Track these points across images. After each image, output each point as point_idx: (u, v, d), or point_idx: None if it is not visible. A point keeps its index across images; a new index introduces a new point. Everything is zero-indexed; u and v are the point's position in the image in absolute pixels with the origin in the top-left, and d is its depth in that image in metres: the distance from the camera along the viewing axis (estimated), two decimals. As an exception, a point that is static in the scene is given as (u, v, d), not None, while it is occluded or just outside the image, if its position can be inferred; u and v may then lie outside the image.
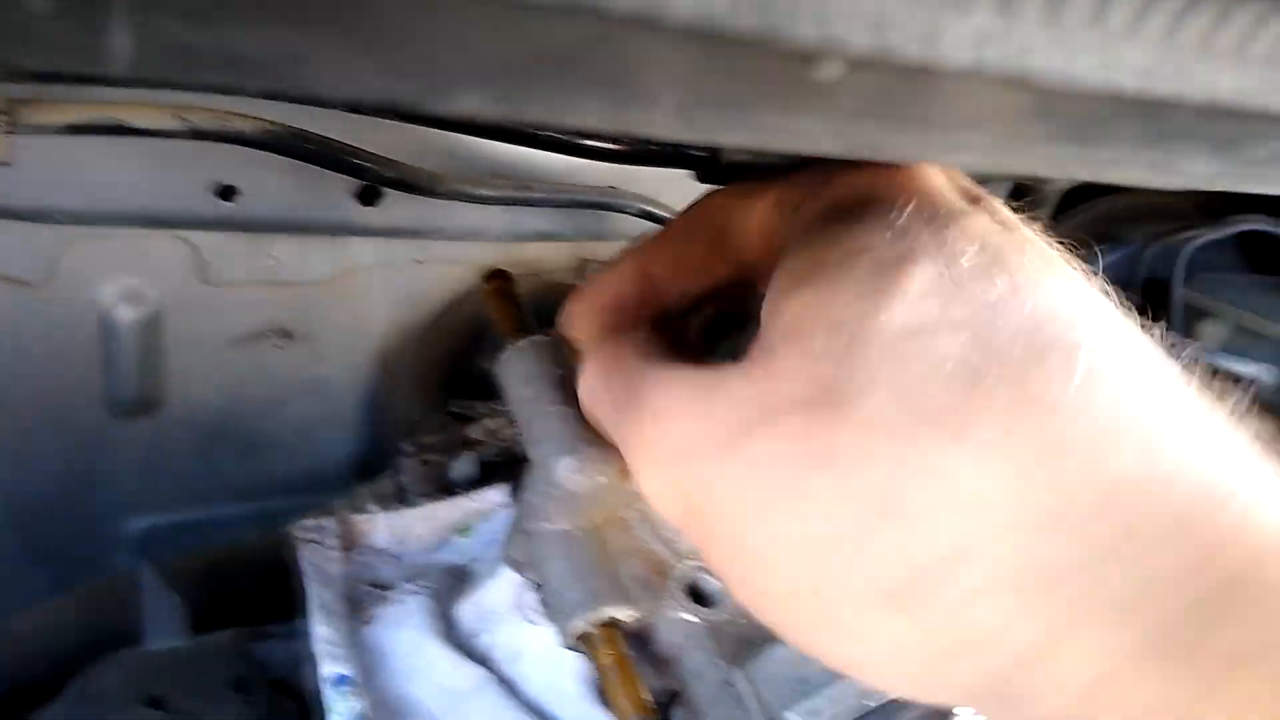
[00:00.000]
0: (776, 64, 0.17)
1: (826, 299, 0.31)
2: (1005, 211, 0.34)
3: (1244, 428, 0.30)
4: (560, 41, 0.15)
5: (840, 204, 0.34)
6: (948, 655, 0.29)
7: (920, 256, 0.30)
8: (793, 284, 0.32)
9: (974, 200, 0.34)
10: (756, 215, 0.38)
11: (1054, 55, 0.17)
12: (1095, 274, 0.33)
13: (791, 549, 0.30)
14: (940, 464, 0.28)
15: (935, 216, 0.32)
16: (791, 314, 0.32)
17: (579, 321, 0.43)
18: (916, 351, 0.29)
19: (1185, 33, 0.18)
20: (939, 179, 0.34)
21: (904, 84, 0.18)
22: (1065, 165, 0.23)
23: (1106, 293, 0.32)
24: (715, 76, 0.17)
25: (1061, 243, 0.34)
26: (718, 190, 0.41)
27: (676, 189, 0.88)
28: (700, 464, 0.32)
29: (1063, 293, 0.30)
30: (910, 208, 0.32)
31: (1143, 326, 0.32)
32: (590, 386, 0.39)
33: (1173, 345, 0.32)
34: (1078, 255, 0.33)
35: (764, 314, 0.33)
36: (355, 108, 0.62)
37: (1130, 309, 0.32)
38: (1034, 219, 0.34)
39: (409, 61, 0.15)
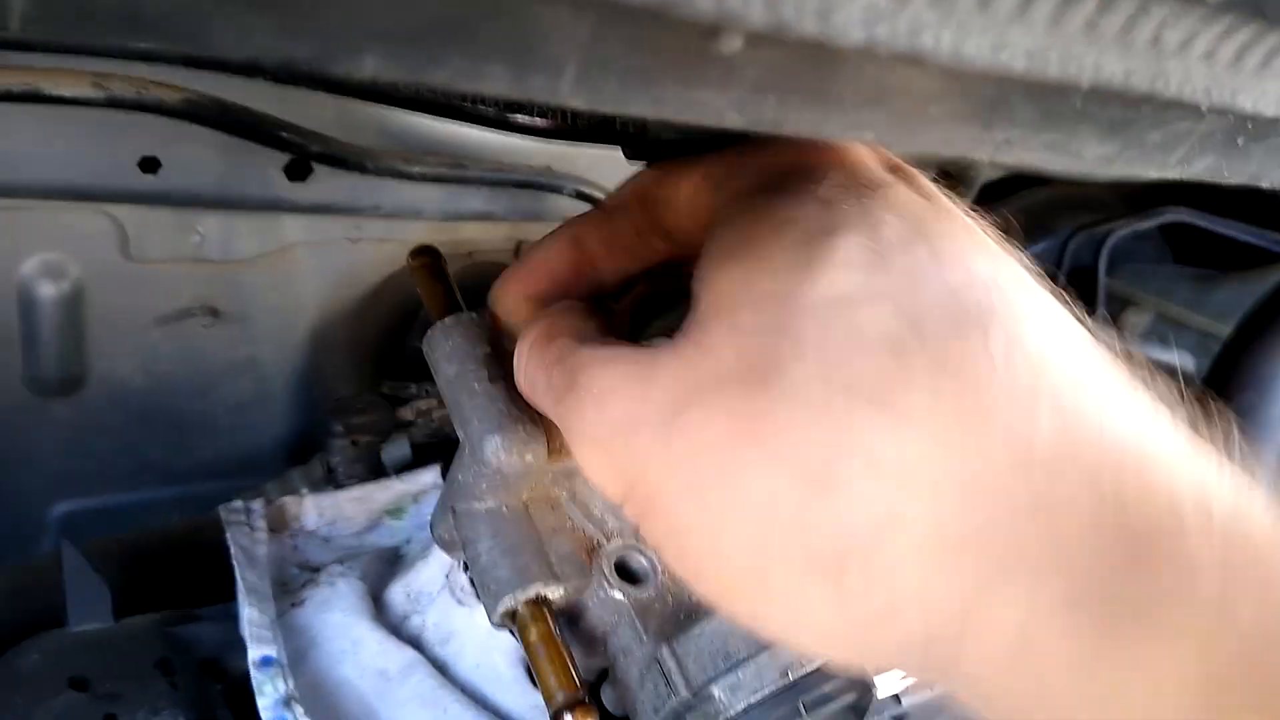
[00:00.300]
0: (677, 36, 0.17)
1: (754, 272, 0.31)
2: (926, 182, 0.35)
3: (1154, 395, 0.31)
4: (455, 6, 0.15)
5: (766, 178, 0.34)
6: (878, 620, 0.30)
7: (845, 227, 0.31)
8: (721, 258, 0.33)
9: (896, 170, 0.35)
10: (684, 192, 0.38)
11: (943, 35, 0.18)
12: (1014, 246, 0.34)
13: (728, 522, 0.31)
14: (865, 435, 0.28)
15: (859, 187, 0.32)
16: (721, 288, 0.32)
17: (510, 299, 0.44)
18: (841, 322, 0.29)
19: (1071, 17, 0.19)
20: (862, 150, 0.35)
21: (803, 60, 0.18)
22: (965, 145, 0.23)
23: (1024, 264, 0.33)
24: (617, 46, 0.17)
25: (981, 216, 0.35)
26: (648, 168, 0.41)
27: (611, 170, 0.88)
28: (639, 442, 0.33)
29: (982, 261, 0.31)
30: (835, 179, 0.33)
31: (1064, 303, 0.33)
32: (525, 367, 0.39)
33: (1094, 325, 0.32)
34: (998, 229, 0.34)
35: (695, 289, 0.34)
36: (256, 69, 0.61)
37: (1047, 281, 0.33)
38: (955, 191, 0.35)
39: (308, 22, 0.15)
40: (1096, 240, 1.29)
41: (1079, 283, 1.29)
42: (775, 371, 0.30)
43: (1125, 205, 1.38)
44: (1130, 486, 0.27)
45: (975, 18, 0.18)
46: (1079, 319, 0.32)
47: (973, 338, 0.29)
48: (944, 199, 0.34)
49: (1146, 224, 1.32)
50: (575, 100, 0.18)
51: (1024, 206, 1.34)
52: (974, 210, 0.35)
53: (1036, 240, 1.30)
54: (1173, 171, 0.28)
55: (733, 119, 0.19)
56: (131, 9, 0.14)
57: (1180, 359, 1.18)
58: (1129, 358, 0.31)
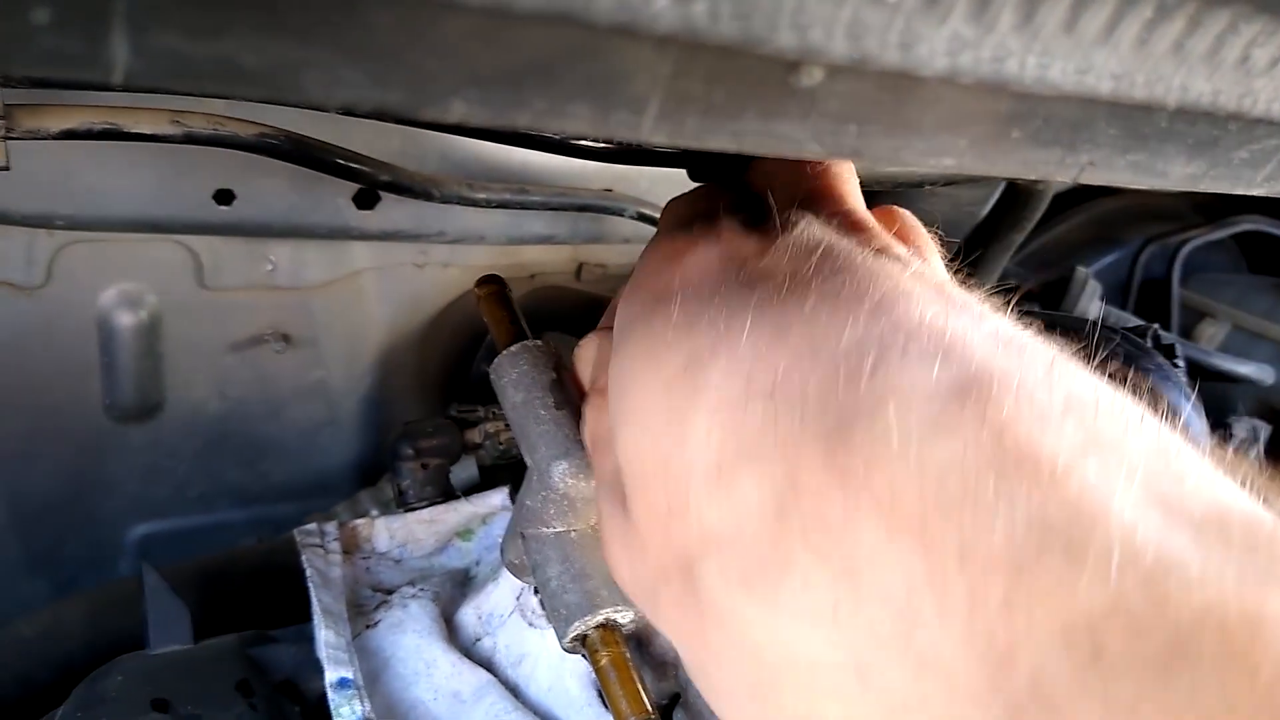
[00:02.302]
0: (758, 70, 0.17)
1: (640, 441, 0.31)
2: (799, 244, 0.32)
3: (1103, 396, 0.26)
4: (545, 50, 0.16)
5: (649, 297, 0.34)
6: None
7: (703, 362, 0.29)
8: (616, 420, 0.33)
9: (757, 257, 0.32)
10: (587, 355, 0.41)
11: (1028, 61, 0.17)
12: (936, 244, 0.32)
13: (715, 699, 0.32)
14: (763, 637, 0.27)
15: (714, 300, 0.31)
16: (624, 458, 0.33)
17: (581, 368, 0.45)
18: (722, 500, 0.28)
19: (1158, 39, 0.19)
20: (716, 253, 0.33)
21: (883, 90, 0.18)
22: (1049, 168, 0.23)
23: (919, 290, 0.29)
24: (698, 83, 0.17)
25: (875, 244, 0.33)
26: (669, 204, 0.42)
27: (672, 191, 0.88)
28: (643, 610, 0.35)
29: (843, 343, 0.27)
30: (691, 297, 0.32)
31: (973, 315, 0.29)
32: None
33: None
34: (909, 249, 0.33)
35: (613, 428, 0.34)
36: (348, 113, 0.62)
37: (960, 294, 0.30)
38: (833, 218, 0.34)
39: (399, 70, 0.15)
40: (1169, 251, 1.27)
41: (1152, 294, 1.27)
42: (692, 569, 0.29)
43: (1198, 214, 1.35)
44: (1016, 634, 0.22)
45: (1060, 42, 0.18)
46: (992, 344, 0.27)
47: (834, 467, 0.26)
48: (816, 254, 0.31)
49: (1220, 233, 1.30)
50: (657, 136, 0.18)
51: (1093, 217, 1.32)
52: (876, 230, 0.34)
53: (1107, 252, 1.28)
54: (1260, 189, 0.27)
55: (813, 150, 0.19)
56: (230, 62, 0.15)
57: (1259, 371, 1.15)
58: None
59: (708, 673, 0.31)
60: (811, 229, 0.32)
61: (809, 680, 0.26)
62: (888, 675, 0.25)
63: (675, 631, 0.32)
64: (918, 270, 0.31)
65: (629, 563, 0.34)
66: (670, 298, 0.32)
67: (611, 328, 0.44)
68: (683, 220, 0.38)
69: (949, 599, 0.23)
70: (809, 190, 0.38)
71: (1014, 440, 0.24)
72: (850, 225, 0.34)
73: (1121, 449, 0.24)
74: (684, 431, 0.29)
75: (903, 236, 0.36)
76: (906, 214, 0.38)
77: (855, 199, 0.38)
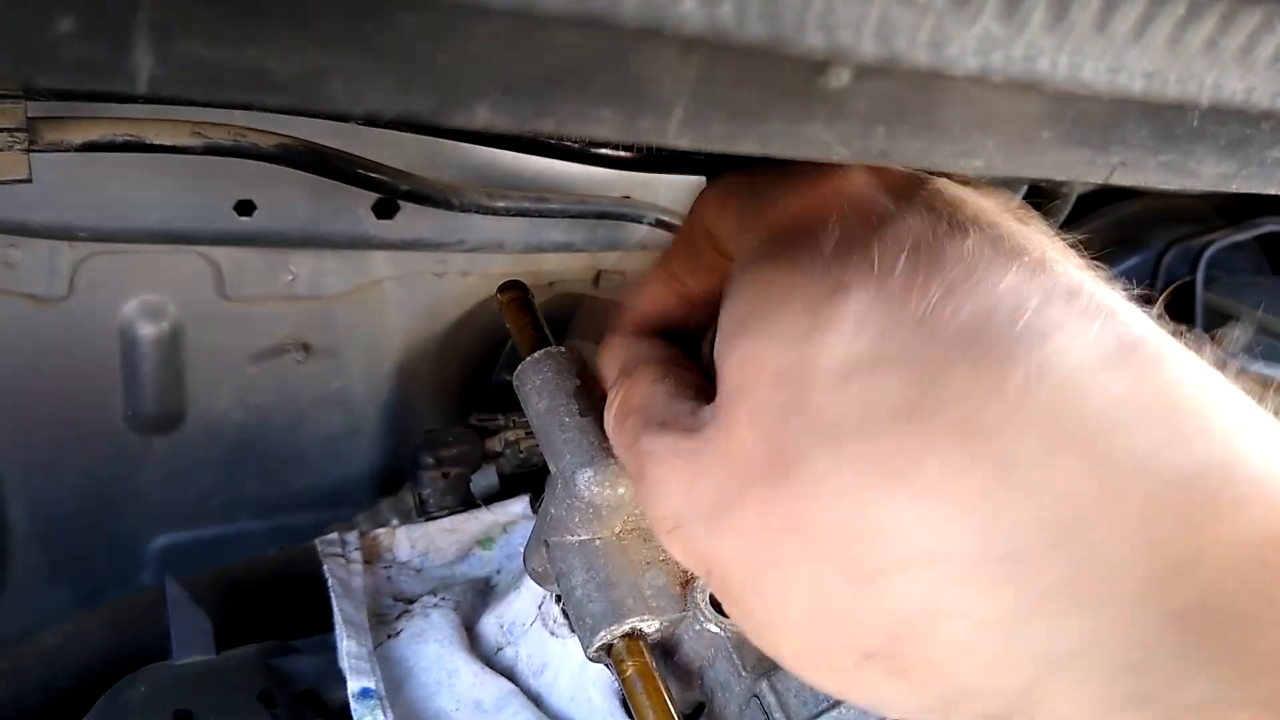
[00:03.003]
0: (785, 72, 0.17)
1: (764, 348, 0.31)
2: (947, 193, 0.32)
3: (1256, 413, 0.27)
4: (572, 54, 0.15)
5: (777, 230, 0.33)
6: (944, 705, 0.28)
7: (849, 286, 0.29)
8: (734, 331, 0.32)
9: (908, 191, 0.32)
10: (726, 225, 0.38)
11: (1059, 60, 0.17)
12: (1066, 245, 0.31)
13: (785, 613, 0.31)
14: (887, 520, 0.27)
15: (864, 229, 0.30)
16: (735, 366, 0.32)
17: (606, 370, 0.44)
18: (854, 396, 0.28)
19: (1191, 37, 0.18)
20: (862, 181, 0.33)
21: (912, 90, 0.18)
22: (1080, 168, 0.23)
23: (1073, 271, 0.29)
24: (725, 86, 0.17)
25: (1023, 214, 0.32)
26: (702, 193, 0.41)
27: (690, 198, 0.88)
28: (696, 537, 0.33)
29: (1007, 279, 0.28)
30: (839, 224, 0.31)
31: (1132, 308, 0.29)
32: (612, 439, 0.40)
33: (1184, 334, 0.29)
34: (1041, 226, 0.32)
35: (716, 363, 0.33)
36: (372, 121, 0.62)
37: (1108, 283, 0.30)
38: (988, 191, 0.33)
39: (425, 76, 0.15)
40: (1193, 253, 1.26)
41: (1176, 297, 1.25)
42: (798, 460, 0.29)
43: (1220, 216, 1.34)
44: (1186, 542, 0.24)
45: (1092, 41, 0.17)
46: (1152, 324, 0.28)
47: (988, 382, 0.26)
48: (968, 207, 0.31)
49: (1244, 235, 1.28)
50: (682, 140, 0.18)
51: (1116, 219, 1.31)
52: (1014, 209, 0.32)
53: (1130, 254, 1.27)
54: (1293, 188, 0.27)
55: (840, 153, 0.19)
56: (255, 70, 0.15)
57: (1284, 373, 1.13)
58: (1231, 369, 0.28)
59: (784, 579, 0.30)
60: (954, 185, 0.32)
61: (939, 566, 0.26)
62: (1044, 565, 0.25)
63: (744, 542, 0.31)
64: (1064, 245, 0.31)
65: (689, 482, 0.33)
66: (817, 221, 0.31)
67: (628, 330, 0.43)
68: (777, 175, 0.36)
69: (1125, 505, 0.24)
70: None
71: (1184, 395, 0.25)
72: (980, 187, 0.33)
73: (1274, 429, 0.25)
74: (821, 337, 0.29)
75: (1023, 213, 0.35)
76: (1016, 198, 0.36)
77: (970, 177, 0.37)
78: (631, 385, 0.39)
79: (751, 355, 0.31)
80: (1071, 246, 0.31)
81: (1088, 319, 0.27)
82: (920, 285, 0.28)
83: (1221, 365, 0.28)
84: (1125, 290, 0.30)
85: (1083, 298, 0.27)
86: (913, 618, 0.27)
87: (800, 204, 0.33)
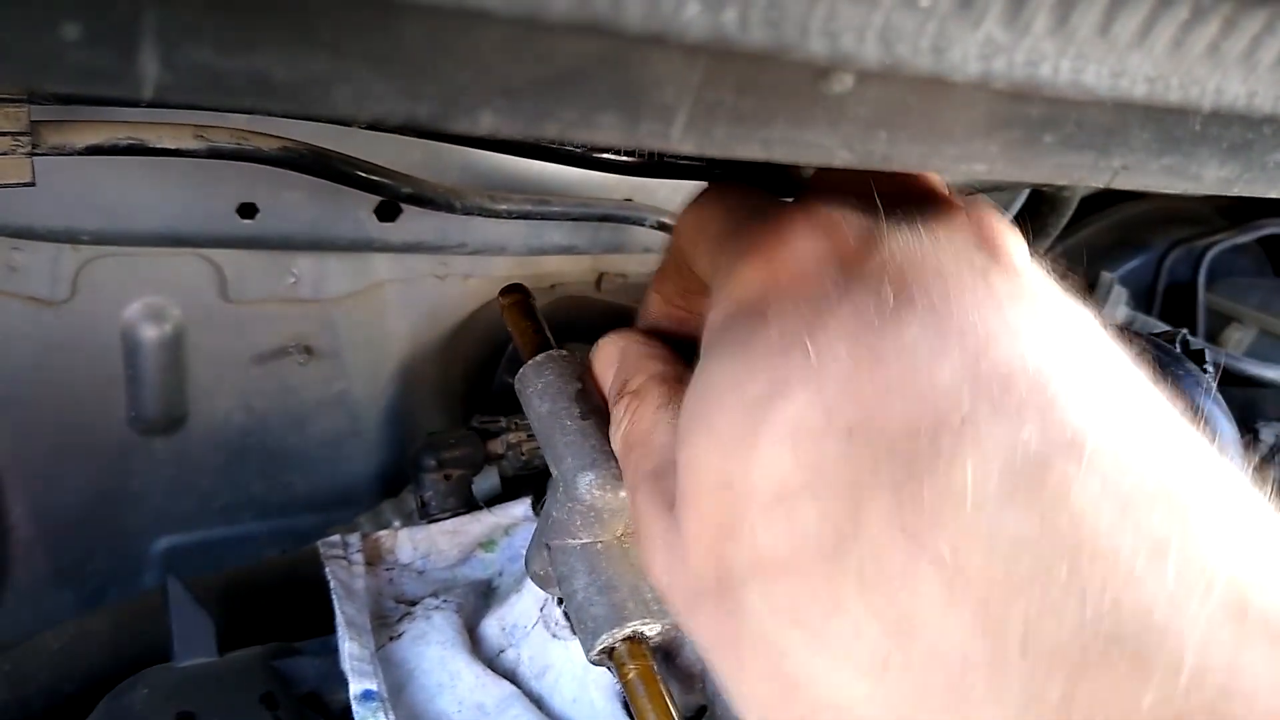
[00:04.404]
0: (788, 78, 0.17)
1: (706, 453, 0.31)
2: (900, 257, 0.30)
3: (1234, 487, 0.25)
4: (575, 60, 0.15)
5: (734, 306, 0.33)
6: None
7: (785, 389, 0.28)
8: (686, 425, 0.33)
9: (861, 259, 0.30)
10: (700, 265, 0.38)
11: (1062, 65, 0.17)
12: (1046, 265, 0.30)
13: (742, 708, 0.31)
14: (804, 672, 0.27)
15: (809, 314, 0.29)
16: (684, 467, 0.32)
17: (601, 370, 0.45)
18: (781, 526, 0.27)
19: (1193, 41, 0.18)
20: (813, 253, 0.31)
21: (915, 95, 0.18)
22: (1082, 172, 0.23)
23: (1019, 339, 0.27)
24: (728, 91, 0.17)
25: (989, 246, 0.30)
26: (680, 220, 0.40)
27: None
28: (676, 605, 0.34)
29: (937, 384, 0.26)
30: (789, 307, 0.30)
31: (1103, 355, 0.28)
32: (620, 465, 0.41)
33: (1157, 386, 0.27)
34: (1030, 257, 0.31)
35: (678, 437, 0.33)
36: (376, 126, 0.63)
37: (1083, 320, 0.28)
38: (957, 223, 0.31)
39: (429, 82, 0.15)
40: (1195, 255, 1.26)
41: (1178, 299, 1.26)
42: (734, 591, 0.29)
43: (1222, 218, 1.34)
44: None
45: (1095, 45, 0.17)
46: (1097, 401, 0.26)
47: (896, 516, 0.25)
48: (923, 274, 0.29)
49: (1246, 237, 1.29)
50: (686, 146, 0.18)
51: (1118, 221, 1.31)
52: (985, 239, 0.31)
53: (1132, 255, 1.27)
54: (1295, 191, 0.27)
55: (843, 157, 0.19)
56: (260, 76, 0.15)
57: (1286, 375, 1.13)
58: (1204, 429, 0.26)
59: (739, 690, 0.31)
60: (916, 234, 0.30)
61: None
62: None
63: (708, 645, 0.32)
64: (1029, 288, 0.29)
65: (668, 567, 0.34)
66: (765, 304, 0.31)
67: (640, 330, 0.44)
68: (746, 211, 0.36)
69: (1005, 683, 0.23)
70: (898, 183, 0.36)
71: (1093, 530, 0.23)
72: (950, 221, 0.32)
73: (1205, 548, 0.23)
74: (753, 454, 0.28)
75: (993, 234, 0.33)
76: (995, 208, 0.34)
77: (944, 188, 0.36)
78: (639, 409, 0.39)
79: (697, 459, 0.31)
80: (1049, 267, 0.30)
81: (1015, 423, 0.25)
82: (854, 387, 0.27)
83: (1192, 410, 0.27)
84: (1096, 311, 0.29)
85: (1019, 391, 0.25)
86: None
87: (756, 272, 0.33)
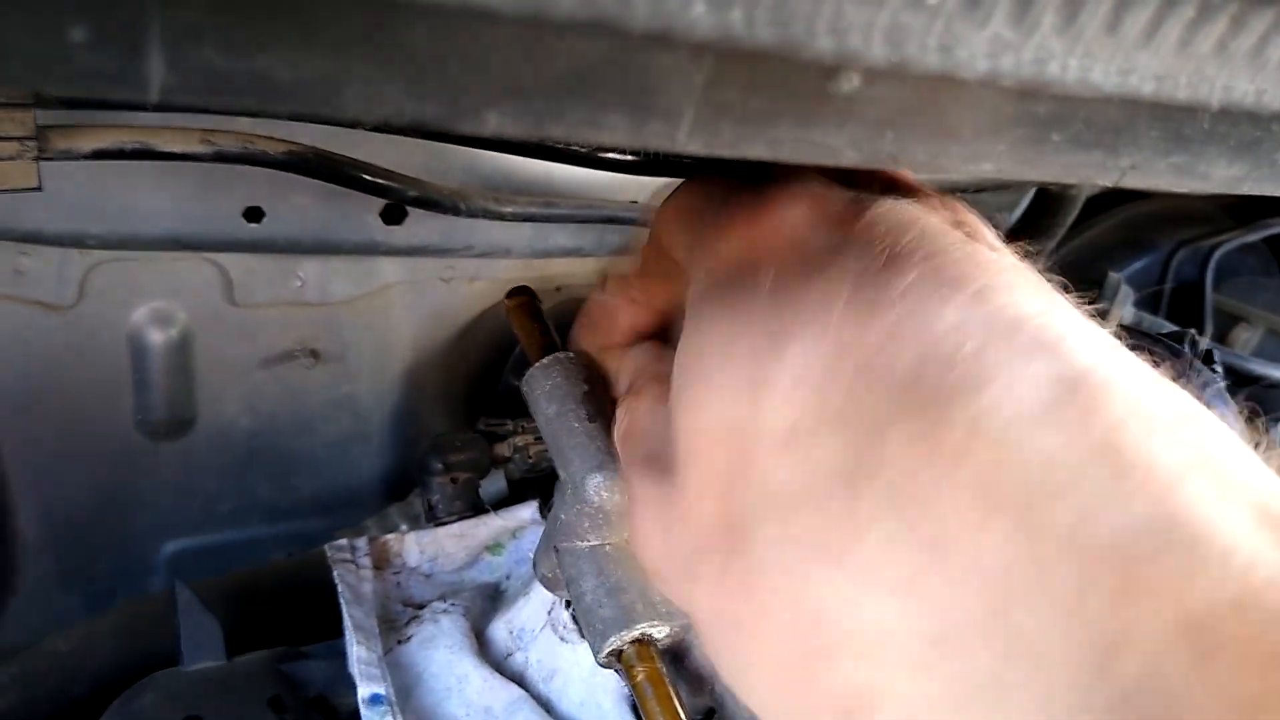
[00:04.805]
0: (795, 77, 0.17)
1: (708, 407, 0.30)
2: (888, 220, 0.30)
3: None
4: (581, 59, 0.15)
5: (721, 268, 0.33)
6: None
7: (788, 335, 0.28)
8: (681, 383, 0.32)
9: (848, 222, 0.31)
10: (678, 250, 0.38)
11: (1070, 63, 0.17)
12: (1021, 254, 0.30)
13: (749, 675, 0.31)
14: (830, 600, 0.26)
15: (802, 269, 0.30)
16: (684, 424, 0.32)
17: (588, 349, 0.45)
18: (794, 463, 0.27)
19: (1202, 38, 0.18)
20: (801, 214, 0.32)
21: (922, 94, 0.18)
22: (1090, 171, 0.23)
23: (1016, 294, 0.27)
24: (735, 90, 0.17)
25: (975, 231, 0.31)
26: (659, 211, 0.40)
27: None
28: (673, 584, 0.34)
29: (944, 324, 0.26)
30: (777, 267, 0.30)
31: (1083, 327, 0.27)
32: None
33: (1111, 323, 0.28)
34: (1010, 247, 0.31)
35: (671, 410, 0.33)
36: (383, 128, 0.63)
37: (1063, 302, 0.28)
38: (934, 202, 0.31)
39: (435, 83, 0.15)
40: (1202, 254, 1.25)
41: (1185, 299, 1.25)
42: (748, 533, 0.28)
43: (1229, 217, 1.34)
44: (1122, 627, 0.22)
45: (1103, 43, 0.17)
46: (1102, 348, 0.26)
47: (923, 440, 0.25)
48: (911, 234, 0.29)
49: (1253, 236, 1.28)
50: (692, 146, 0.18)
51: (1125, 220, 1.30)
52: (962, 222, 0.31)
53: (1139, 255, 1.27)
54: (1303, 190, 0.27)
55: (851, 157, 0.19)
56: (267, 78, 0.15)
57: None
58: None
59: (746, 644, 0.30)
60: (902, 203, 0.31)
61: (876, 649, 0.25)
62: (973, 651, 0.23)
63: (711, 602, 0.31)
64: (1014, 262, 0.29)
65: (663, 533, 0.33)
66: (755, 265, 0.31)
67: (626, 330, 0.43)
68: (728, 192, 0.35)
69: (1053, 582, 0.22)
70: (873, 176, 0.36)
71: (1125, 442, 0.23)
72: (928, 202, 0.32)
73: (1229, 468, 0.23)
74: (762, 395, 0.28)
75: (966, 218, 0.33)
76: (968, 207, 0.35)
77: (915, 181, 0.36)
78: (636, 406, 0.39)
79: (698, 414, 0.31)
80: (1025, 256, 0.30)
81: (1028, 357, 0.25)
82: (858, 331, 0.27)
83: (1188, 377, 0.27)
84: (1078, 300, 0.29)
85: (1025, 331, 0.26)
86: (859, 696, 0.26)
87: (741, 240, 0.32)
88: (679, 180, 0.39)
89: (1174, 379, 0.27)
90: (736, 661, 0.31)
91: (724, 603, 0.30)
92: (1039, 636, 0.22)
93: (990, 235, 0.32)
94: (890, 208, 0.30)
